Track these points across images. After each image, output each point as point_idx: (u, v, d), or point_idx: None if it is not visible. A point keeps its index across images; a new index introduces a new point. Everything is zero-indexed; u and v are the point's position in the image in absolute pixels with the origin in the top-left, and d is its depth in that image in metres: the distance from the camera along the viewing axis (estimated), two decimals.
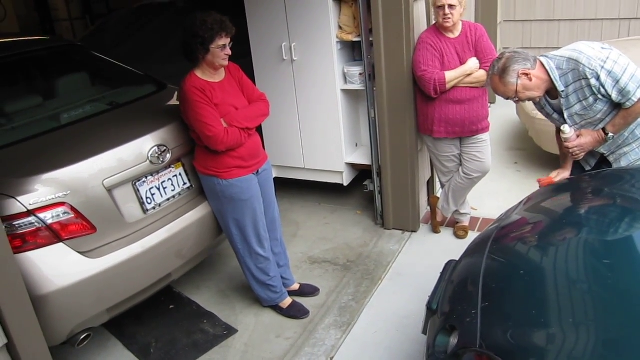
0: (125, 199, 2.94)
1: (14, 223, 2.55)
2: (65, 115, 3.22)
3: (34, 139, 2.96)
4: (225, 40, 2.89)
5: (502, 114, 5.91)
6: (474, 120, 3.60)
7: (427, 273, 2.90)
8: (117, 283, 2.84)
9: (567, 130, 2.67)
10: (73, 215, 2.71)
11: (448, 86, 3.49)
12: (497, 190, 4.54)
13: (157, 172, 3.09)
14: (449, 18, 3.42)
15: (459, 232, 4.04)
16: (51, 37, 5.20)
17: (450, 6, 3.39)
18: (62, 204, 2.67)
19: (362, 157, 4.41)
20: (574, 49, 2.60)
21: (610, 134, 2.64)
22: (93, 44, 5.04)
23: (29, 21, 10.00)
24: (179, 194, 3.20)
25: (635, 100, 2.50)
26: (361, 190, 4.51)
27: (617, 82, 2.48)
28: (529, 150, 5.26)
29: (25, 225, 2.59)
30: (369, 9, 3.74)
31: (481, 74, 3.49)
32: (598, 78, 2.49)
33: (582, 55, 2.53)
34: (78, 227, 2.74)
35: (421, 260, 3.82)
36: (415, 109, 3.82)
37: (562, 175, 2.83)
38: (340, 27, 4.08)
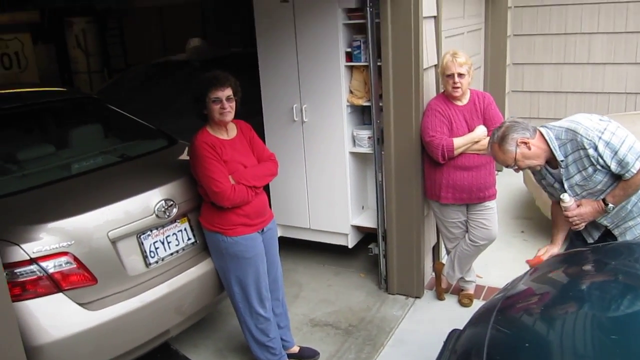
0: (129, 251, 2.93)
1: (16, 270, 2.54)
2: (76, 165, 3.26)
3: (44, 187, 3.00)
4: (219, 94, 2.96)
5: (509, 182, 5.92)
6: (481, 187, 3.61)
7: (431, 341, 2.83)
8: (114, 337, 2.79)
9: (567, 199, 2.67)
10: (75, 266, 2.70)
11: (456, 152, 3.52)
12: (503, 259, 4.49)
13: (163, 226, 3.10)
14: (458, 87, 3.50)
15: (464, 300, 3.97)
16: (69, 89, 5.34)
17: (460, 75, 3.47)
18: (65, 253, 2.67)
19: (368, 220, 4.40)
20: (572, 119, 2.65)
21: (610, 205, 2.64)
22: (109, 97, 5.15)
23: (49, 72, 10.29)
24: (183, 249, 3.19)
25: (635, 171, 2.51)
26: (366, 253, 4.48)
27: (616, 153, 2.51)
28: (535, 220, 5.24)
29: (27, 273, 2.58)
30: (379, 75, 3.83)
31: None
32: (596, 148, 2.52)
33: (580, 125, 2.57)
34: (79, 278, 2.72)
35: (424, 328, 3.75)
36: (422, 174, 3.84)
37: (550, 251, 2.78)
38: (351, 92, 4.16)
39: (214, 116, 3.00)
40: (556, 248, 2.81)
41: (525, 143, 2.60)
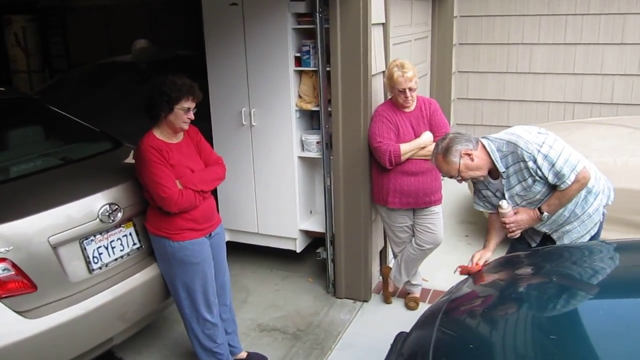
0: (71, 257, 2.84)
1: None
2: (15, 168, 3.14)
3: None
4: (190, 104, 2.92)
5: (454, 187, 6.02)
6: (428, 192, 3.68)
7: (378, 344, 2.86)
8: (54, 346, 2.70)
9: (505, 206, 2.77)
10: (14, 272, 2.60)
11: (403, 158, 3.58)
12: (449, 262, 4.55)
13: (107, 231, 3.02)
14: (410, 100, 3.57)
15: (410, 303, 4.03)
16: (7, 89, 5.14)
17: (410, 89, 3.53)
18: (3, 259, 2.56)
19: (316, 225, 4.42)
20: (513, 132, 2.75)
21: (545, 214, 2.76)
22: (50, 98, 4.99)
23: None
24: (128, 254, 3.12)
25: (569, 182, 2.63)
26: (314, 258, 4.48)
27: (553, 165, 2.62)
28: (479, 224, 5.37)
29: None
30: (328, 80, 3.86)
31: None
32: (535, 161, 2.63)
33: (520, 139, 2.67)
34: (18, 285, 2.62)
35: (372, 331, 3.78)
36: (370, 179, 3.89)
37: (484, 257, 2.84)
38: (299, 96, 4.17)
39: (175, 123, 2.94)
40: (489, 253, 2.87)
41: (469, 154, 2.68)
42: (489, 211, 2.99)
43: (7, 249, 2.58)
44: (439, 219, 3.80)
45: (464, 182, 2.91)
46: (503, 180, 2.76)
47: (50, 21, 9.87)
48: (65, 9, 9.47)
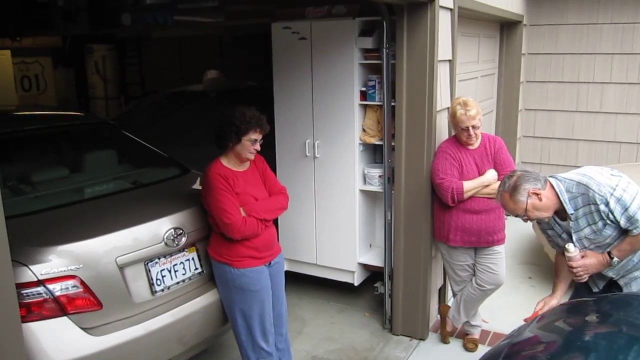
0: (136, 278, 2.93)
1: (22, 291, 2.54)
2: (89, 190, 3.29)
3: (56, 209, 3.02)
4: (257, 136, 3.00)
5: (518, 227, 5.88)
6: (490, 231, 3.60)
7: None
8: None
9: (572, 249, 2.65)
10: (82, 290, 2.70)
11: (465, 196, 3.53)
12: (510, 304, 4.44)
13: (171, 255, 3.10)
14: (473, 138, 3.53)
15: (469, 344, 3.92)
16: (85, 114, 5.42)
17: (474, 127, 3.50)
18: (72, 277, 2.67)
19: (374, 259, 4.39)
20: (584, 173, 2.64)
21: (616, 259, 2.63)
22: (125, 124, 5.22)
23: (67, 96, 10.46)
24: (189, 278, 3.19)
25: None
26: (371, 292, 4.44)
27: (626, 209, 2.50)
28: (544, 266, 5.19)
29: (33, 294, 2.58)
30: (393, 115, 3.87)
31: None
32: (607, 204, 2.52)
33: (592, 180, 2.57)
34: (85, 302, 2.71)
35: None
36: (431, 215, 3.84)
37: (549, 304, 2.73)
38: (363, 130, 4.20)
39: (242, 153, 3.03)
40: (555, 300, 2.76)
41: (537, 194, 2.59)
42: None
43: (77, 266, 2.69)
44: (502, 259, 3.70)
45: (528, 222, 2.82)
46: (571, 222, 2.66)
47: (128, 51, 10.40)
48: (142, 39, 9.96)
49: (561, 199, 2.61)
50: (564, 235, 2.76)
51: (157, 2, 5.29)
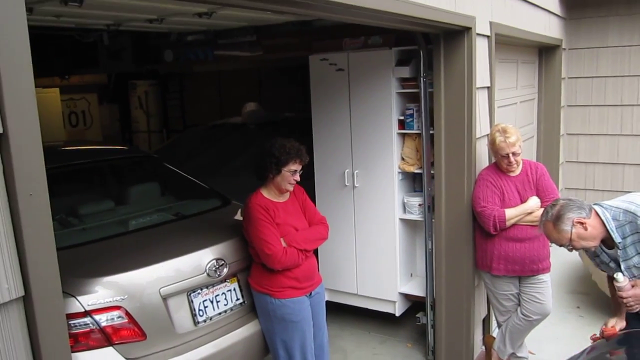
0: (179, 309, 2.97)
1: (70, 322, 2.59)
2: (133, 222, 3.36)
3: (102, 241, 3.10)
4: (297, 167, 3.04)
5: (563, 254, 5.70)
6: (535, 260, 3.52)
7: None
8: None
9: (621, 279, 2.55)
10: (127, 320, 2.74)
11: (508, 224, 3.47)
12: (558, 335, 4.31)
13: (213, 285, 3.13)
14: (514, 165, 3.49)
15: None
16: (129, 147, 5.57)
17: (514, 154, 3.46)
18: (118, 307, 2.72)
19: (416, 288, 4.33)
20: (631, 201, 2.55)
21: None
22: (167, 157, 5.34)
23: (112, 131, 10.79)
24: (231, 309, 3.20)
25: None
26: (413, 322, 4.38)
27: None
28: (592, 295, 5.03)
29: (80, 325, 2.63)
30: (432, 143, 3.86)
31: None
32: None
33: None
34: (129, 333, 2.76)
35: None
36: (473, 244, 3.78)
37: (620, 324, 2.66)
38: (402, 159, 4.20)
39: (281, 184, 3.07)
40: (623, 322, 2.68)
41: (582, 223, 2.52)
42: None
43: (122, 297, 2.74)
44: (547, 288, 3.60)
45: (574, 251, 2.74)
46: (619, 250, 2.58)
47: (170, 85, 10.68)
48: (183, 74, 10.23)
49: (607, 227, 2.53)
50: (612, 264, 2.67)
51: (198, 39, 5.44)
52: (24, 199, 1.49)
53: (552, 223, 2.58)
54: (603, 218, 2.54)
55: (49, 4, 3.37)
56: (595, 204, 2.63)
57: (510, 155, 3.46)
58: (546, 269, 3.58)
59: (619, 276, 2.56)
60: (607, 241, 2.61)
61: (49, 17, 3.95)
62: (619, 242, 2.54)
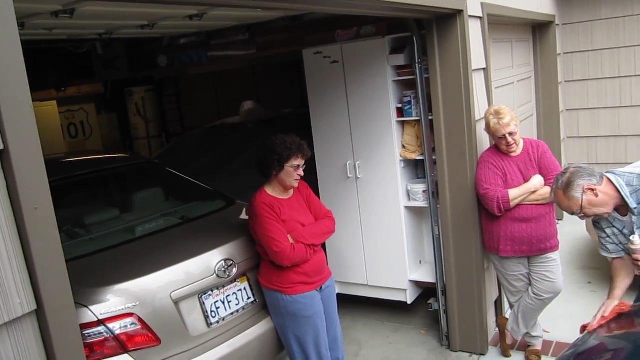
0: (191, 311, 2.98)
1: (84, 332, 2.60)
2: (139, 228, 3.37)
3: (110, 249, 3.11)
4: (299, 162, 3.03)
5: (571, 230, 5.74)
6: (542, 239, 3.51)
7: None
8: None
9: (637, 240, 2.53)
10: (140, 327, 2.76)
11: (512, 204, 3.46)
12: (571, 311, 4.31)
13: (223, 286, 3.14)
14: (513, 145, 3.48)
15: (531, 356, 3.81)
16: (130, 154, 5.58)
17: (510, 134, 3.45)
18: (130, 314, 2.73)
19: (426, 275, 4.33)
20: None
21: None
22: (168, 161, 5.35)
23: (112, 139, 10.80)
24: (243, 308, 3.21)
25: None
26: (425, 309, 4.38)
27: None
28: (603, 269, 5.02)
29: (95, 334, 2.64)
30: (431, 128, 3.85)
31: (546, 191, 3.44)
32: None
33: None
34: (144, 339, 2.77)
35: None
36: (480, 227, 3.78)
37: (609, 308, 2.61)
38: (403, 146, 4.19)
39: (285, 180, 3.07)
40: (616, 301, 2.66)
41: (592, 190, 2.50)
42: (613, 256, 2.78)
43: (134, 304, 2.75)
44: (557, 266, 3.60)
45: (583, 225, 2.74)
46: (634, 217, 2.56)
47: (166, 90, 10.68)
48: (178, 78, 10.22)
49: (622, 193, 2.51)
50: (625, 231, 2.66)
51: (191, 41, 5.45)
52: (29, 213, 1.49)
53: (562, 191, 2.56)
54: (617, 184, 2.52)
55: (40, 18, 3.37)
56: (607, 172, 2.61)
57: (507, 135, 3.45)
58: (554, 247, 3.57)
59: (635, 238, 2.52)
60: (621, 209, 2.59)
61: (41, 31, 3.96)
62: (635, 208, 2.52)
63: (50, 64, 7.41)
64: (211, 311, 3.06)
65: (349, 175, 4.36)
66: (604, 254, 2.83)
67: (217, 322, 3.07)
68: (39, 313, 1.56)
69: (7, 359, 1.49)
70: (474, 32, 3.81)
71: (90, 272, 2.88)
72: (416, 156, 4.13)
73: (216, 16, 4.23)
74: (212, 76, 9.65)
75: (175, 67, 6.32)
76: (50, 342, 1.56)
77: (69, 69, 7.63)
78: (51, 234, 1.55)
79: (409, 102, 4.05)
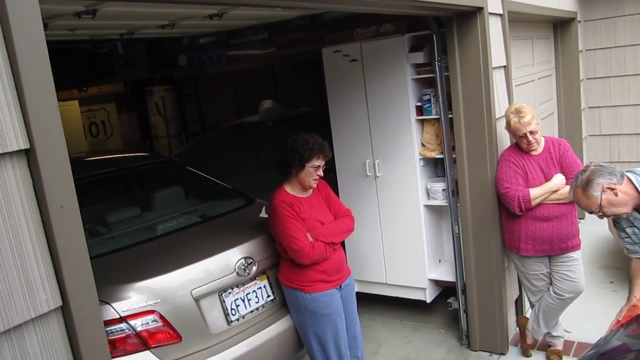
0: (211, 309, 3.00)
1: (107, 329, 2.63)
2: (160, 226, 3.40)
3: (131, 247, 3.14)
4: (320, 162, 3.04)
5: (593, 230, 5.68)
6: (563, 238, 3.48)
7: None
8: None
9: None
10: (161, 324, 2.78)
11: (533, 203, 3.43)
12: (593, 311, 4.26)
13: (243, 284, 3.16)
14: (534, 143, 3.45)
15: (552, 356, 3.77)
16: (150, 153, 5.63)
17: (531, 132, 3.42)
18: (152, 311, 2.76)
19: (445, 274, 4.32)
20: None
21: None
22: (188, 159, 5.39)
23: (132, 138, 10.92)
24: (263, 306, 3.23)
25: None
26: (445, 308, 4.36)
27: None
28: (625, 269, 4.94)
29: (117, 331, 2.68)
30: (451, 127, 3.83)
31: (568, 190, 3.40)
32: None
33: None
34: (165, 336, 2.80)
35: None
36: (500, 225, 3.75)
37: (623, 312, 2.59)
38: (423, 145, 4.18)
39: (305, 180, 3.07)
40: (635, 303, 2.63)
41: (612, 189, 2.48)
42: (634, 256, 2.74)
43: (155, 301, 2.78)
44: (579, 266, 3.56)
45: (605, 224, 2.71)
46: None
47: (186, 89, 10.76)
48: (198, 77, 10.29)
49: None
50: None
51: (210, 41, 5.48)
52: (55, 211, 1.52)
53: (581, 189, 2.54)
54: (636, 184, 2.50)
55: (63, 18, 3.42)
56: (628, 171, 2.59)
57: (528, 134, 3.42)
58: (576, 247, 3.54)
59: None
60: None
61: (64, 31, 4.01)
62: None
63: (72, 64, 7.51)
64: (231, 309, 3.08)
65: (368, 174, 4.36)
66: (631, 254, 2.80)
67: (237, 319, 3.09)
68: (64, 309, 1.58)
69: (34, 354, 1.52)
70: (494, 29, 3.78)
71: (112, 270, 2.92)
72: (436, 154, 4.11)
73: (236, 15, 4.25)
74: (232, 75, 9.70)
75: (195, 66, 6.36)
76: (75, 338, 1.59)
77: (90, 69, 7.73)
78: (76, 231, 1.58)
79: (429, 101, 4.03)
